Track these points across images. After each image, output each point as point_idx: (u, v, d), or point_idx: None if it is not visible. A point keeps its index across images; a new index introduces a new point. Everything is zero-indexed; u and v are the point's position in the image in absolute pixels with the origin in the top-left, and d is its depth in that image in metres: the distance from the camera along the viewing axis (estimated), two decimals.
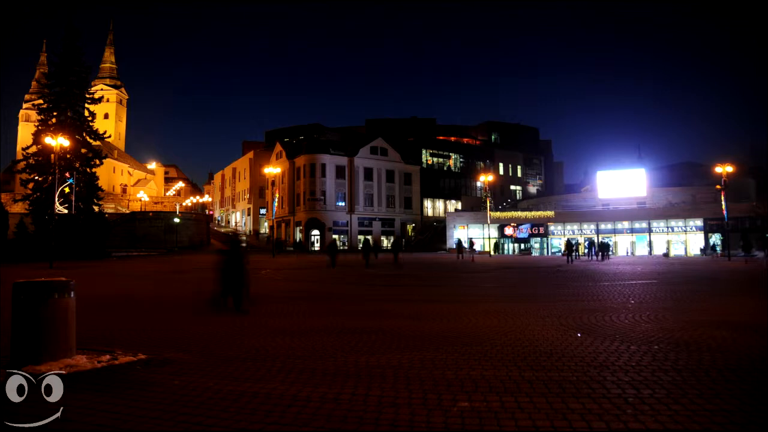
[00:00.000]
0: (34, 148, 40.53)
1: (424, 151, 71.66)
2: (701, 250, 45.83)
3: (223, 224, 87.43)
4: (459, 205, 70.44)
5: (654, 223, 49.51)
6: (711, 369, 4.94)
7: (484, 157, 77.94)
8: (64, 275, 5.98)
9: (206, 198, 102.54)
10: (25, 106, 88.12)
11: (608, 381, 4.56)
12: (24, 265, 26.58)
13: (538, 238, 54.15)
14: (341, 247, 56.68)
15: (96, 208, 41.53)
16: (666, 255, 44.45)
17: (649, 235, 49.43)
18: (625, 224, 50.72)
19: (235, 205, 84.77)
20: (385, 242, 64.85)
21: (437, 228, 64.76)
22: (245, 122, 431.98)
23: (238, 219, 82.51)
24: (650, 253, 47.84)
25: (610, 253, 41.24)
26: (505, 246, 55.27)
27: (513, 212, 57.90)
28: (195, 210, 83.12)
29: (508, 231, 54.77)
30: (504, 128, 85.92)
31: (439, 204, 72.19)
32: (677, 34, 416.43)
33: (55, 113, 40.32)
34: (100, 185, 44.16)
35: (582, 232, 52.08)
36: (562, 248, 41.98)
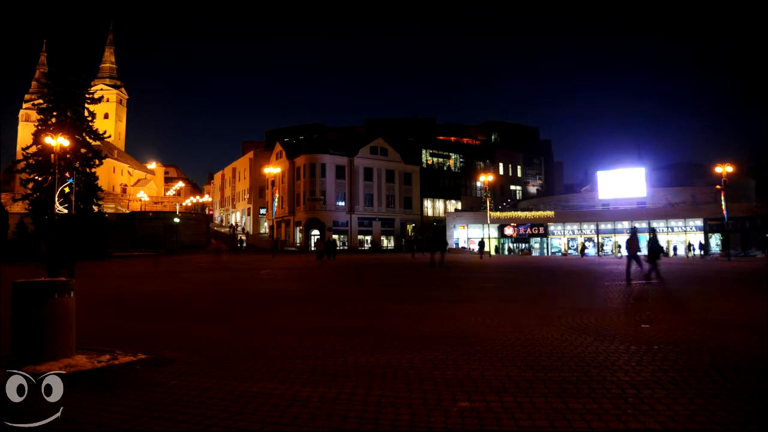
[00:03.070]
0: (34, 148, 40.58)
1: (424, 151, 71.68)
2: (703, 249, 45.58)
3: (224, 224, 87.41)
4: (459, 205, 70.48)
5: (654, 223, 49.36)
6: (711, 369, 4.93)
7: (484, 157, 77.98)
8: (64, 275, 5.97)
9: (206, 198, 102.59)
10: (25, 106, 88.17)
11: (608, 381, 4.55)
12: (24, 264, 26.57)
13: (538, 238, 54.15)
14: (340, 247, 56.75)
15: (96, 208, 41.57)
16: (666, 255, 44.44)
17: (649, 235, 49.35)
18: (625, 224, 50.68)
19: (235, 205, 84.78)
20: (385, 242, 64.93)
21: (437, 228, 64.79)
22: (245, 122, 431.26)
23: (238, 219, 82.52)
24: None
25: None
26: (505, 246, 55.23)
27: (513, 212, 57.95)
28: (195, 210, 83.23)
29: (508, 231, 54.78)
30: (504, 128, 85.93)
31: (439, 204, 72.19)
32: (677, 34, 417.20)
33: (55, 113, 40.36)
34: (100, 185, 44.22)
35: (582, 232, 52.04)
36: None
